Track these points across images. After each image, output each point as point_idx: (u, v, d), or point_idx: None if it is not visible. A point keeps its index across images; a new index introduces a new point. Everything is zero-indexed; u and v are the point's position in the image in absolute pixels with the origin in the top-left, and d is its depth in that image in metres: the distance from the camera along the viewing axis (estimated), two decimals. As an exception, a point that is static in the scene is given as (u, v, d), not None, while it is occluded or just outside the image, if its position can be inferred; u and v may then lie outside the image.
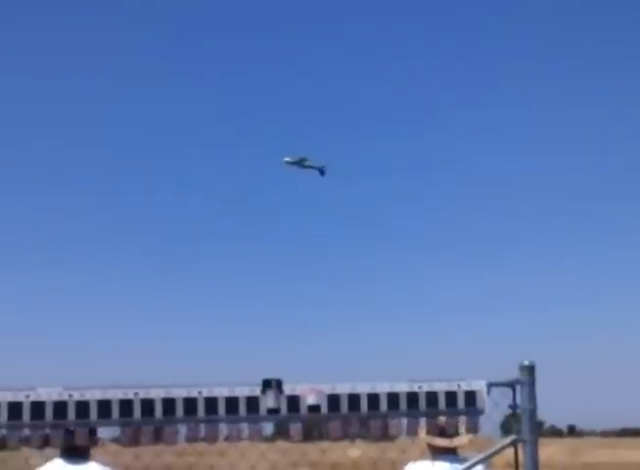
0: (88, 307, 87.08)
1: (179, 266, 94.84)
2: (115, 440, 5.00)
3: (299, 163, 50.96)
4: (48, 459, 4.89)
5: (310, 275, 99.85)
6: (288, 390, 3.80)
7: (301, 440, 3.92)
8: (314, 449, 26.40)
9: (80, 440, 3.86)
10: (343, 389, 3.85)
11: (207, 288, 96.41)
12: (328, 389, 3.83)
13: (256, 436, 3.81)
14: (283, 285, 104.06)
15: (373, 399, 3.84)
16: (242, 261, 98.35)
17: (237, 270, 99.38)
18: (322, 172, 52.70)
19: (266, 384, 3.79)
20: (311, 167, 51.95)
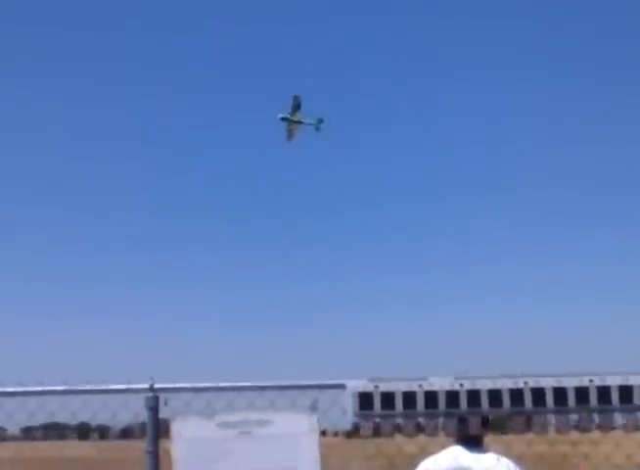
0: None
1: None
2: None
3: (294, 118, 50.76)
4: (443, 447, 4.68)
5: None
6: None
7: None
8: None
9: (473, 429, 4.13)
10: None
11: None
12: None
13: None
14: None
15: None
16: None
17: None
18: (318, 129, 52.45)
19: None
20: (308, 124, 51.60)
